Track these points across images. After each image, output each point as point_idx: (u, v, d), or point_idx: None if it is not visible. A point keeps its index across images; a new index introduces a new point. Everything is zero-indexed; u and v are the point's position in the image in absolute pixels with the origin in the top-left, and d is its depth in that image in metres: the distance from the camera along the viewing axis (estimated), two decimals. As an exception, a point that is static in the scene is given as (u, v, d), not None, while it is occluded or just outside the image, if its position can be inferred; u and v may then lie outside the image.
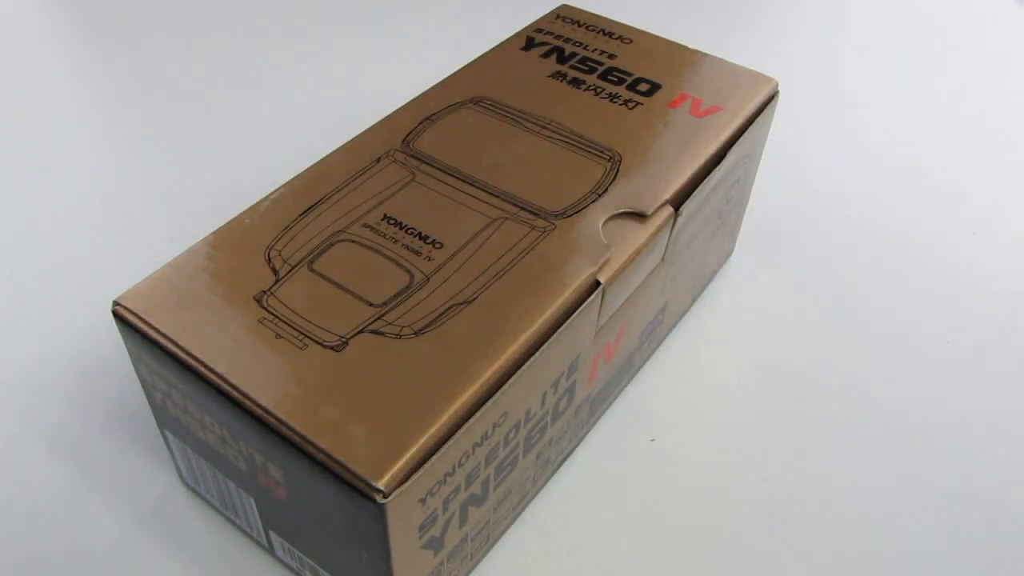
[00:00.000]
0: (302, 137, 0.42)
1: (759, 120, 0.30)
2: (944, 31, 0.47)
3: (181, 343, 0.22)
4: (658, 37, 0.33)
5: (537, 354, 0.22)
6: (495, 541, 0.27)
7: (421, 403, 0.20)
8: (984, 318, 0.34)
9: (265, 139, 0.42)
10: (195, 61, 0.47)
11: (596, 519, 0.28)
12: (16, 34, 0.49)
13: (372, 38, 0.50)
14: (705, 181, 0.28)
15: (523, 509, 0.28)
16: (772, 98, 0.31)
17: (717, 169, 0.28)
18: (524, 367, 0.22)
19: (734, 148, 0.29)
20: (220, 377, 0.21)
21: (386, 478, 0.19)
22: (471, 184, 0.26)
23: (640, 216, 0.26)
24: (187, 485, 0.28)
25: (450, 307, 0.23)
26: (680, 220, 0.27)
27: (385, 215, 0.25)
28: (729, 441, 0.30)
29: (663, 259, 0.28)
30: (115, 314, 0.23)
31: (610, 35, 0.33)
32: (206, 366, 0.21)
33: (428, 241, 0.24)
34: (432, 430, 0.20)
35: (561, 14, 0.34)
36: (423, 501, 0.20)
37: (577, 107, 0.29)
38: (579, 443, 0.30)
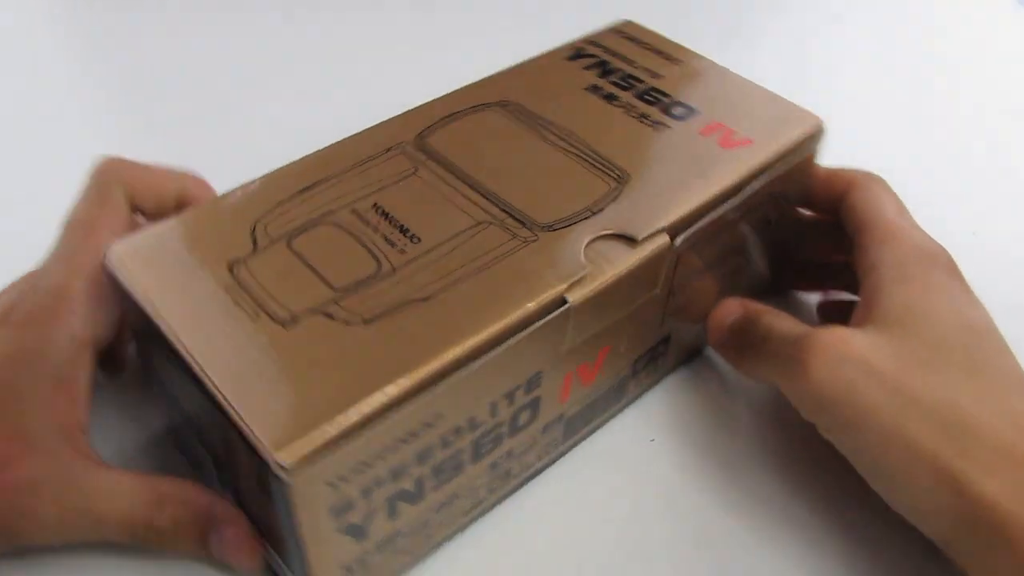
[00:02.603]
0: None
1: (793, 158, 0.29)
2: (944, 31, 0.46)
3: (148, 297, 0.23)
4: (710, 62, 0.32)
5: (479, 361, 0.22)
6: (442, 542, 0.27)
7: (345, 389, 0.20)
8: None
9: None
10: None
11: (596, 519, 0.28)
12: (17, 34, 0.49)
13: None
14: (711, 214, 0.26)
15: (479, 516, 0.28)
16: (813, 136, 0.29)
17: (727, 203, 0.27)
18: (462, 371, 0.22)
19: (753, 183, 0.27)
20: (173, 335, 0.22)
21: (285, 452, 0.19)
22: (469, 185, 0.26)
23: (632, 240, 0.25)
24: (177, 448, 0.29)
25: (407, 302, 0.23)
26: (678, 248, 0.26)
27: (375, 204, 0.25)
28: (729, 441, 0.29)
29: (660, 288, 0.27)
30: (103, 265, 0.24)
31: (661, 53, 0.32)
32: (164, 322, 0.22)
33: (407, 234, 0.24)
34: (346, 415, 0.20)
35: (621, 29, 0.34)
36: (333, 485, 0.21)
37: (602, 123, 0.29)
38: (553, 462, 0.29)
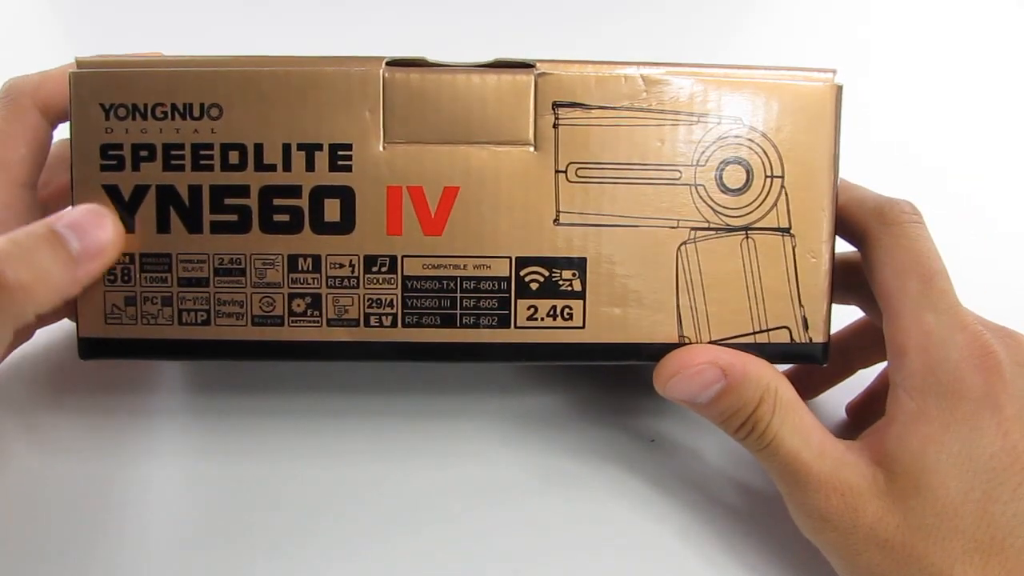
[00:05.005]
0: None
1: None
2: (944, 31, 0.48)
3: None
4: None
5: (270, 68, 0.23)
6: (216, 321, 0.24)
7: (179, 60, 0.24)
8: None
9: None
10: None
11: (595, 518, 0.28)
12: (17, 34, 0.45)
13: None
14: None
15: (302, 357, 0.25)
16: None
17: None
18: (250, 68, 0.23)
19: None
20: None
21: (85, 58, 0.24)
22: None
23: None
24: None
25: None
26: (560, 117, 0.24)
27: None
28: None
29: (536, 146, 0.24)
30: (72, 76, 0.24)
31: None
32: None
33: None
34: (143, 59, 0.24)
35: None
36: (105, 110, 0.23)
37: None
38: (389, 355, 0.24)
